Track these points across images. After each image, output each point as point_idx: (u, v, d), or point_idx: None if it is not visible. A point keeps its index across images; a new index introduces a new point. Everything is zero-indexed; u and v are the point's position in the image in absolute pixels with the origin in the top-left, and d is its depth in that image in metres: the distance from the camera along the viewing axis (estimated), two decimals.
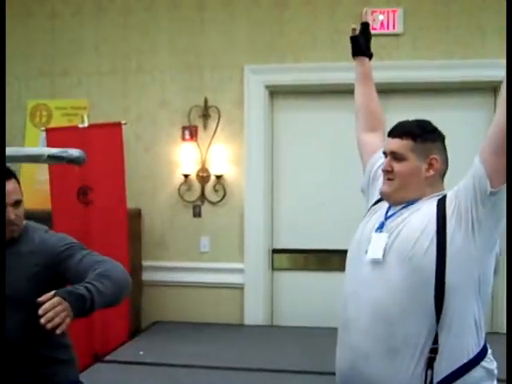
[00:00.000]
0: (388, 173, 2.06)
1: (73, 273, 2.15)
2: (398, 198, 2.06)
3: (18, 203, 2.18)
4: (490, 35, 4.61)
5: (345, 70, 4.75)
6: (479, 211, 1.88)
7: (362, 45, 2.62)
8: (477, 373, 1.93)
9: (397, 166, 2.04)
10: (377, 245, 1.99)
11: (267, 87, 4.91)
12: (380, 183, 2.15)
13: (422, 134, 2.04)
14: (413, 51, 4.70)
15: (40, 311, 1.77)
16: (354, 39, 2.64)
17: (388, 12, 4.70)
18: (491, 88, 4.75)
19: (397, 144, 2.05)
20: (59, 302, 1.80)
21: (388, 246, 1.97)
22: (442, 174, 2.09)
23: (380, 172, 2.17)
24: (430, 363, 1.89)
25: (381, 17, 4.70)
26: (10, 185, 2.15)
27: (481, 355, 1.95)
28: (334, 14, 4.78)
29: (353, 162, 4.83)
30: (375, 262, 1.98)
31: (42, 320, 1.76)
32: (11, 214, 2.15)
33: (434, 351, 1.89)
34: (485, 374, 1.95)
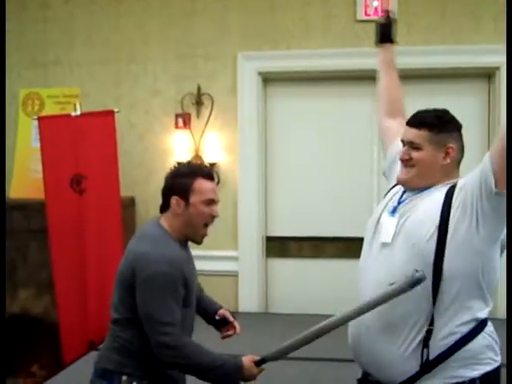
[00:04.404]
0: (407, 161, 2.13)
1: None
2: (413, 184, 2.13)
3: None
4: (484, 21, 4.59)
5: (338, 57, 4.82)
6: (484, 206, 1.92)
7: (386, 31, 2.69)
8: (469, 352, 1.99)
9: (415, 154, 2.10)
10: (388, 228, 2.09)
11: (260, 74, 4.88)
12: (399, 167, 2.21)
13: (439, 125, 2.10)
14: (407, 37, 4.66)
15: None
16: (379, 26, 2.71)
17: None
18: (485, 74, 4.74)
19: (414, 134, 2.11)
20: None
21: (397, 230, 2.06)
22: (458, 162, 2.15)
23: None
24: (426, 342, 1.97)
25: (375, 3, 4.70)
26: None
27: (472, 335, 2.00)
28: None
29: (347, 148, 4.90)
30: (384, 244, 2.08)
31: None
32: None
33: (429, 332, 1.97)
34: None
